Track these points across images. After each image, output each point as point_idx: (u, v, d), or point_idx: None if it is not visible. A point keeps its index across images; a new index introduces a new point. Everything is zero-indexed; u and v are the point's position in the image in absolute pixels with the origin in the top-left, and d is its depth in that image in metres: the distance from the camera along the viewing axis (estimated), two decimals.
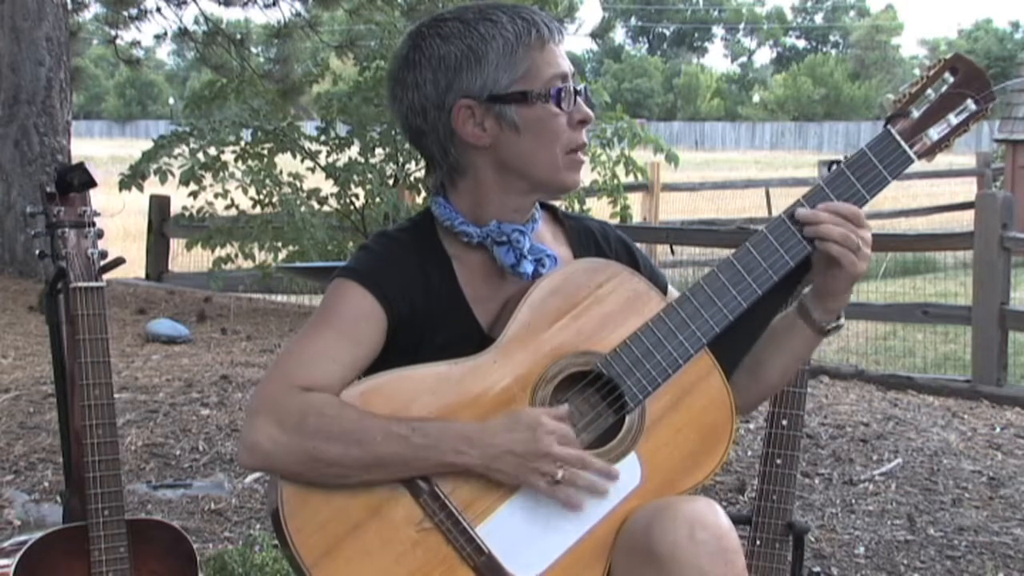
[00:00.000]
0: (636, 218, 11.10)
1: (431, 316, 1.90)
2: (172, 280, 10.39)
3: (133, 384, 5.76)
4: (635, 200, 11.57)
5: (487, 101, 1.88)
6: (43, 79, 9.67)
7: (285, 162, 8.73)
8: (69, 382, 2.39)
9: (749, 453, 4.82)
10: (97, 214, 2.38)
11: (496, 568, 1.80)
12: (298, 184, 8.46)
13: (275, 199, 8.38)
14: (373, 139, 8.62)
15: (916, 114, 1.93)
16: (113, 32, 12.84)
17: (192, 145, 8.37)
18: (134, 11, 12.31)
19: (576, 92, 1.92)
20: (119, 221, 8.29)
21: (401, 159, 8.68)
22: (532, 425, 1.80)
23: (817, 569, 3.70)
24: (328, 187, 8.66)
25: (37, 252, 2.40)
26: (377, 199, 8.36)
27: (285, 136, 8.60)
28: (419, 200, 8.81)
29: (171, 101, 59.65)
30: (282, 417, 1.79)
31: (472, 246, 1.94)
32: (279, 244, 8.42)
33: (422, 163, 2.64)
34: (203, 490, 4.25)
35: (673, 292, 2.03)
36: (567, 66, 1.92)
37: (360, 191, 8.58)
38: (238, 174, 8.48)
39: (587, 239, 2.05)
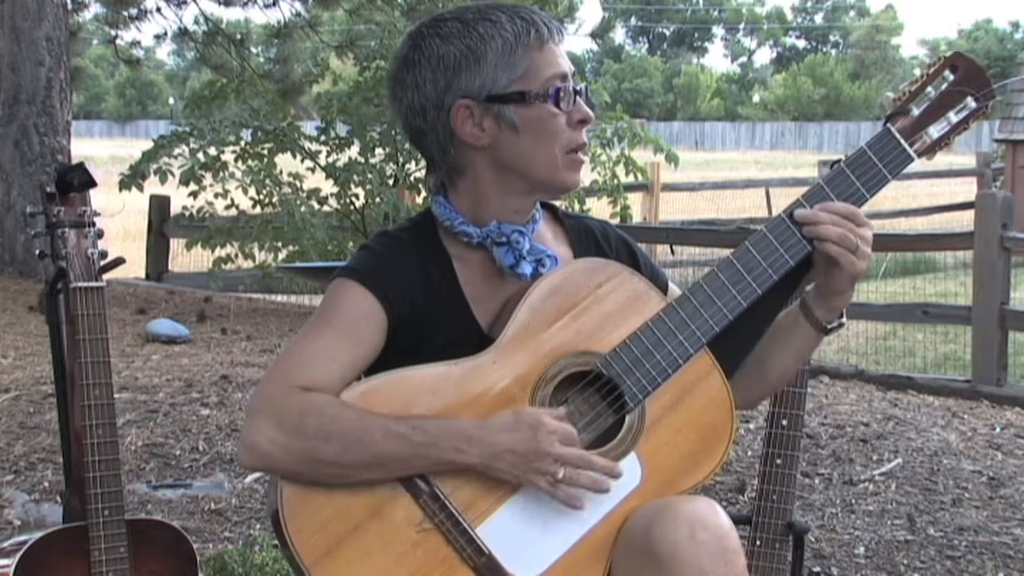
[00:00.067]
0: (636, 218, 11.10)
1: (431, 316, 1.90)
2: (172, 280, 10.39)
3: (133, 384, 5.76)
4: (635, 200, 11.57)
5: (485, 101, 1.88)
6: (43, 79, 9.67)
7: (285, 162, 8.73)
8: (69, 382, 2.39)
9: (749, 453, 4.81)
10: (97, 214, 2.38)
11: (496, 568, 1.80)
12: (298, 184, 8.47)
13: (275, 199, 8.38)
14: (373, 139, 8.62)
15: (916, 112, 1.92)
16: (113, 32, 12.85)
17: (192, 145, 8.37)
18: (134, 11, 12.32)
19: (576, 92, 1.91)
20: (119, 221, 8.28)
21: (401, 159, 8.68)
22: (533, 424, 1.79)
23: (817, 569, 3.70)
24: (328, 187, 8.66)
25: (37, 252, 2.40)
26: (377, 199, 8.36)
27: (285, 136, 8.61)
28: (419, 200, 8.81)
29: (171, 101, 59.65)
30: (282, 417, 1.79)
31: (472, 246, 1.94)
32: (279, 244, 8.42)
33: (422, 163, 2.64)
34: (203, 490, 4.24)
35: (674, 290, 2.03)
36: (567, 66, 1.92)
37: (360, 191, 8.58)
38: (238, 174, 8.48)
39: (587, 239, 2.05)
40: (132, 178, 8.42)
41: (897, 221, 14.85)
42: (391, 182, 8.61)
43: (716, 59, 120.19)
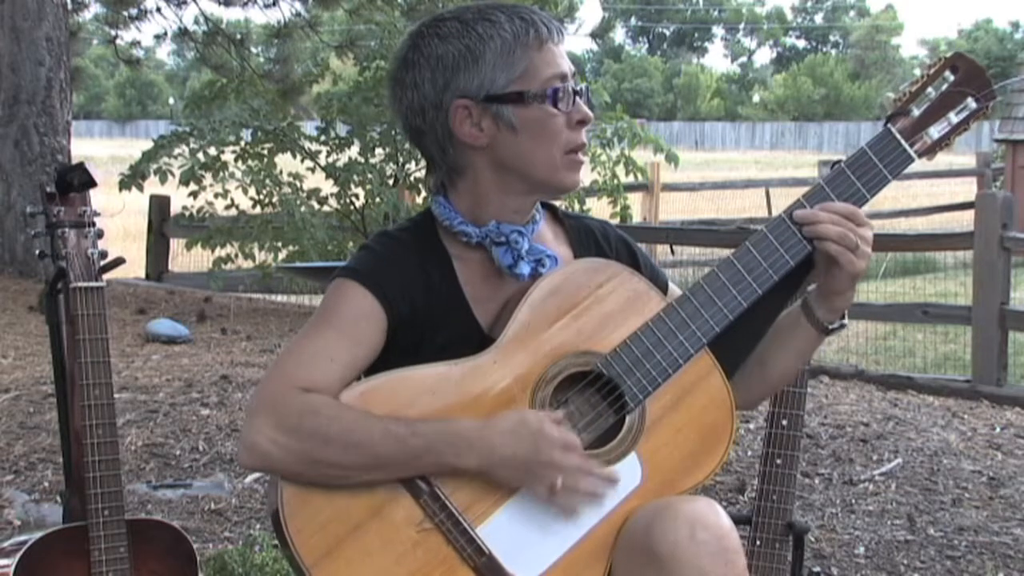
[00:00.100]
0: (636, 218, 11.10)
1: (431, 316, 1.90)
2: (172, 280, 10.39)
3: (133, 384, 5.76)
4: (635, 200, 11.57)
5: (484, 101, 1.88)
6: (43, 79, 9.67)
7: (285, 162, 8.73)
8: (69, 382, 2.39)
9: (749, 453, 4.81)
10: (97, 214, 2.38)
11: (496, 568, 1.80)
12: (298, 184, 8.47)
13: (275, 199, 8.38)
14: (373, 139, 8.62)
15: (916, 113, 1.92)
16: (113, 32, 12.85)
17: (192, 145, 8.37)
18: (134, 11, 12.32)
19: (575, 92, 1.91)
20: (119, 221, 8.28)
21: (401, 159, 8.68)
22: (534, 432, 1.79)
23: (817, 569, 3.70)
24: (328, 187, 8.66)
25: (37, 252, 2.40)
26: (377, 199, 8.36)
27: (285, 136, 8.61)
28: (419, 200, 8.81)
29: (171, 101, 59.65)
30: (281, 418, 1.79)
31: (472, 246, 1.94)
32: (279, 244, 8.43)
33: (422, 163, 2.64)
34: (203, 490, 4.24)
35: (675, 290, 2.03)
36: (566, 66, 1.92)
37: (360, 191, 8.58)
38: (238, 174, 8.49)
39: (587, 239, 2.05)
40: (132, 178, 8.42)
41: (897, 221, 14.85)
42: (391, 182, 8.62)
43: (716, 59, 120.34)
